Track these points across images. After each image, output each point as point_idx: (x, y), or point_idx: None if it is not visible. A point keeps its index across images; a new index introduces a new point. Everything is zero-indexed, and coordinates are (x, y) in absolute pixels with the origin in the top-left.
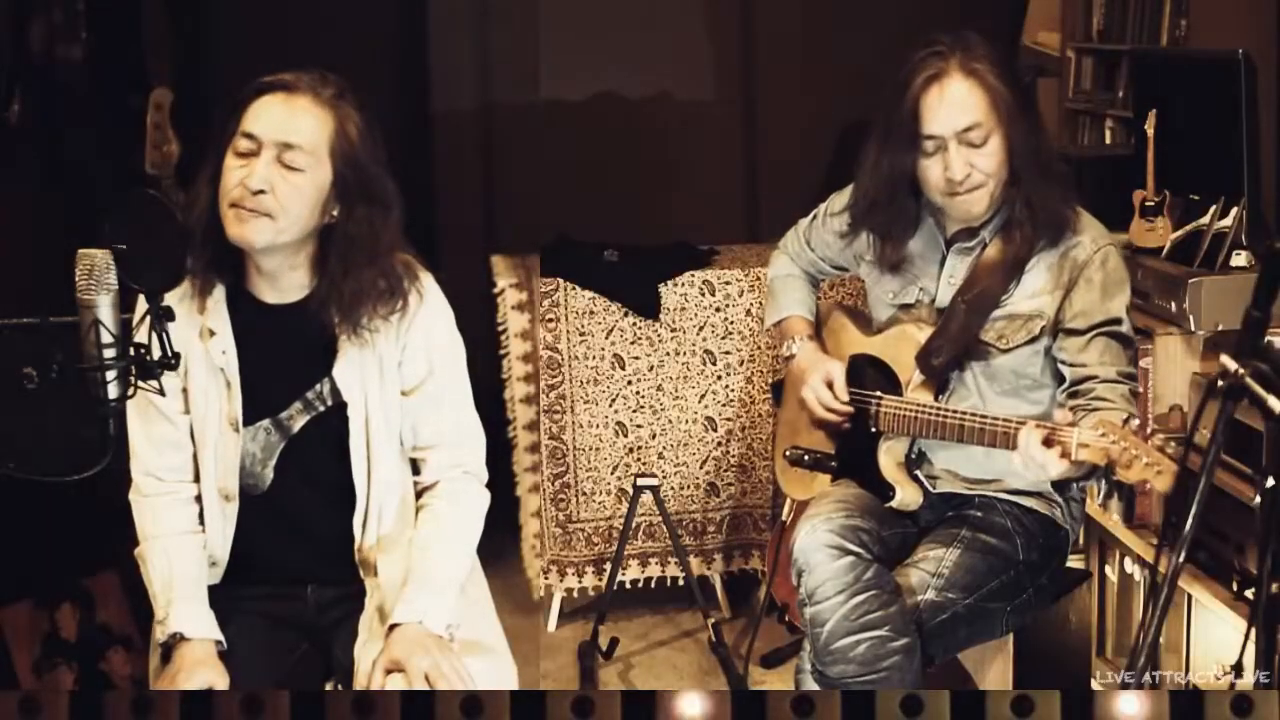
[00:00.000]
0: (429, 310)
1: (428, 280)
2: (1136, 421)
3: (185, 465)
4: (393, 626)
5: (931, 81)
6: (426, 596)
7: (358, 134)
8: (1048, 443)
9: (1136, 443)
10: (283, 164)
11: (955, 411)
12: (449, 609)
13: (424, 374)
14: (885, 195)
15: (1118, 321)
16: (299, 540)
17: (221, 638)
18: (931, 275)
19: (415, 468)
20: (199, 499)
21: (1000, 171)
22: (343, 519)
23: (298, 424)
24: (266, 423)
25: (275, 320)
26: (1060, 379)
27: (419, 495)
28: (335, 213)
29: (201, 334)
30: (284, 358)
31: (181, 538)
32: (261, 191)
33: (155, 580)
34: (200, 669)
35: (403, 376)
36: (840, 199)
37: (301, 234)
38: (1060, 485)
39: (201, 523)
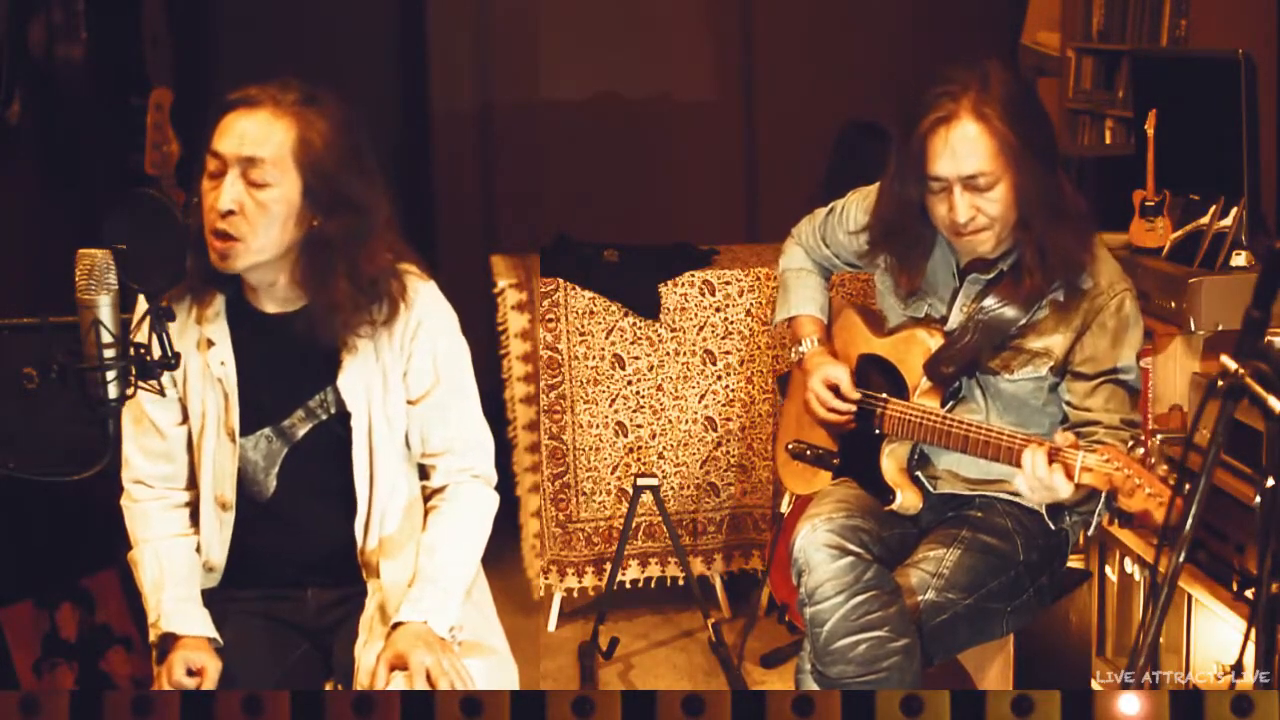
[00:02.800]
0: (432, 320)
1: (429, 288)
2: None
3: (177, 474)
4: (396, 625)
5: (940, 124)
6: (432, 597)
7: (323, 140)
8: (1052, 463)
9: (1141, 471)
10: (249, 181)
11: (961, 421)
12: (454, 611)
13: (430, 383)
14: (899, 224)
15: (1126, 370)
16: (301, 545)
17: (215, 635)
18: (944, 298)
19: (423, 473)
20: (190, 504)
21: (1007, 215)
22: (346, 524)
23: (300, 432)
24: (268, 431)
25: (275, 329)
26: (1064, 411)
27: (428, 499)
28: (316, 222)
29: (200, 344)
30: (285, 366)
31: (173, 540)
32: (231, 212)
33: (147, 582)
34: (193, 653)
35: (408, 386)
36: (859, 205)
37: (281, 248)
38: (1055, 512)
39: (194, 525)
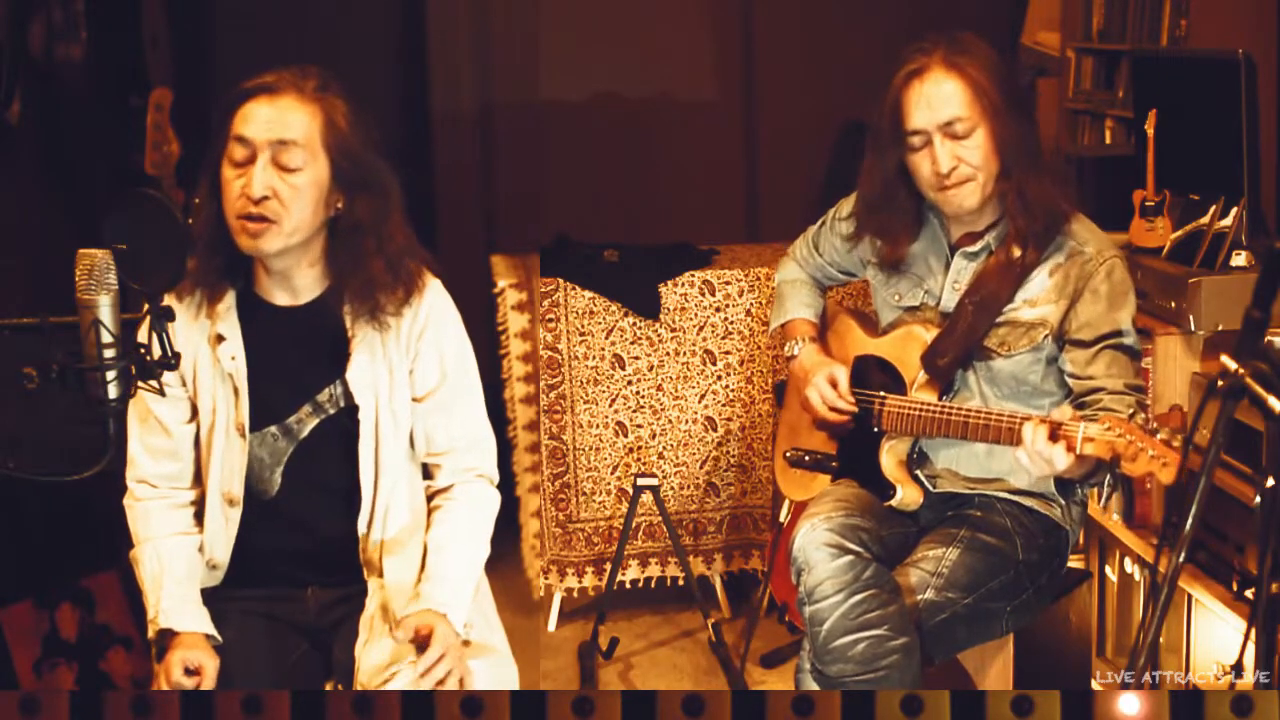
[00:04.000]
0: (439, 320)
1: (437, 285)
2: (1143, 418)
3: (182, 473)
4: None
5: (913, 77)
6: (444, 592)
7: (347, 123)
8: (1053, 437)
9: (1141, 435)
10: (280, 165)
11: (959, 409)
12: (465, 608)
13: (436, 382)
14: (882, 195)
15: (1124, 334)
16: (303, 543)
17: (214, 632)
18: (936, 279)
19: (427, 472)
20: (194, 503)
21: (989, 164)
22: (349, 522)
23: (307, 428)
24: (274, 428)
25: (287, 323)
26: (1063, 387)
27: (432, 498)
28: (340, 205)
29: (210, 340)
30: (295, 361)
31: (174, 539)
32: (265, 198)
33: (147, 579)
34: (191, 651)
35: (414, 385)
36: (847, 204)
37: (311, 231)
38: (1064, 488)
39: (197, 524)
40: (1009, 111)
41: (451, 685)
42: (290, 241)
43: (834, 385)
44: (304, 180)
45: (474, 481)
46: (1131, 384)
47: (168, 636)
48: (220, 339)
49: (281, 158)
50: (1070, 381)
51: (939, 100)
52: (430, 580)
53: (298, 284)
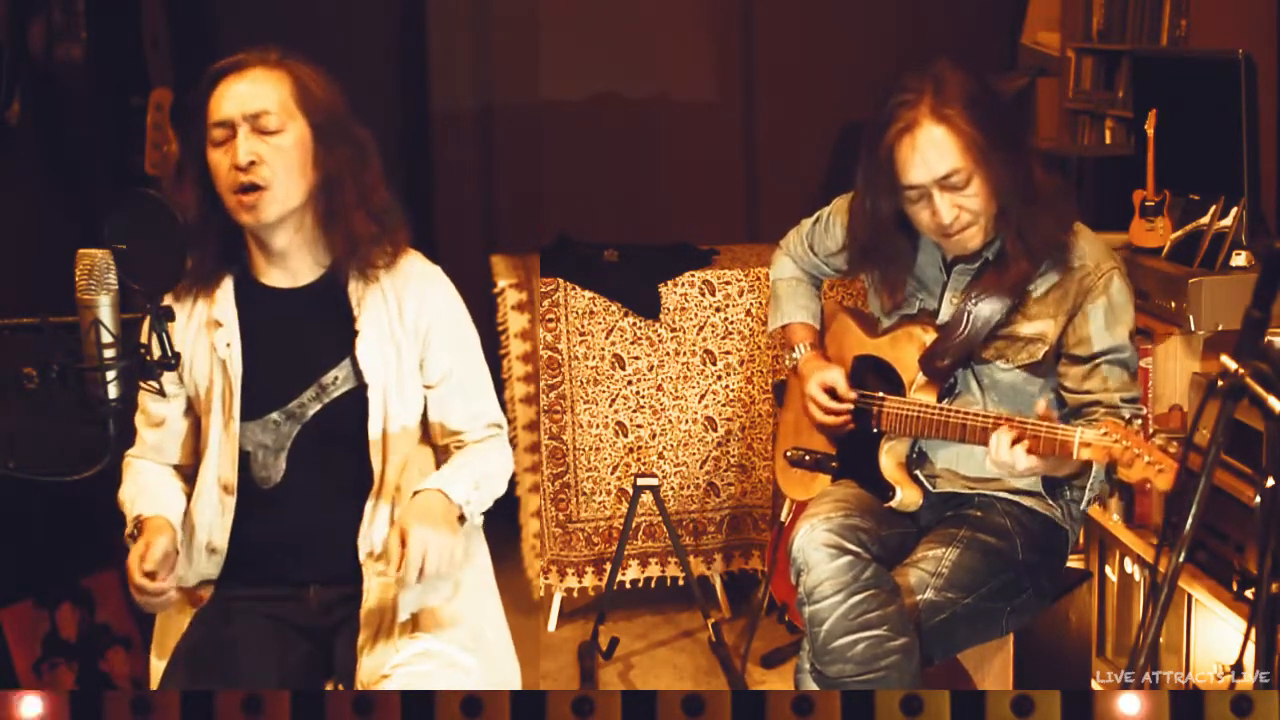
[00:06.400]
0: (445, 308)
1: (435, 270)
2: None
3: (175, 458)
4: (416, 494)
5: (904, 133)
6: (452, 474)
7: (316, 84)
8: (1016, 442)
9: (1139, 441)
10: (260, 130)
11: (959, 411)
12: (472, 493)
13: (447, 369)
14: (875, 240)
15: (1122, 349)
16: (307, 531)
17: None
18: (934, 293)
19: (444, 448)
20: (186, 481)
21: (989, 207)
22: (354, 511)
23: (310, 411)
24: (277, 414)
25: (287, 305)
26: (1060, 398)
27: (448, 449)
28: (327, 164)
29: (208, 325)
30: (297, 344)
31: (160, 477)
32: (252, 163)
33: (125, 500)
34: (158, 535)
35: (426, 373)
36: (839, 220)
37: (304, 195)
38: (1052, 488)
39: (186, 488)
40: (1000, 152)
41: (432, 567)
42: (286, 206)
43: (831, 390)
44: (287, 141)
45: (493, 436)
46: (1127, 397)
47: (140, 520)
48: (217, 325)
49: (260, 124)
50: (1066, 396)
51: (934, 156)
52: (445, 466)
53: (295, 265)
